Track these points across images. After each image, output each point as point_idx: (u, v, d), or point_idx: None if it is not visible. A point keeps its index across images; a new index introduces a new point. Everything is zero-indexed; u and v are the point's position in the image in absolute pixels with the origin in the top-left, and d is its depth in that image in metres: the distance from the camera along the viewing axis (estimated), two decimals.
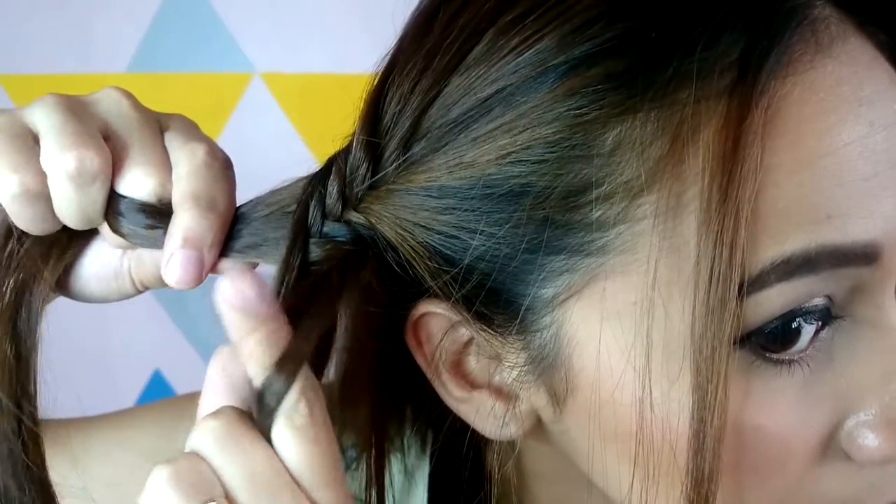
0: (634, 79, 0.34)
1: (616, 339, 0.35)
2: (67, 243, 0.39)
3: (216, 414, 0.32)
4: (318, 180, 0.39)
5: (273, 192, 0.39)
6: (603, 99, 0.34)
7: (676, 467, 0.35)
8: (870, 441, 0.35)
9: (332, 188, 0.38)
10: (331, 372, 0.49)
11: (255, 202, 0.39)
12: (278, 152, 0.89)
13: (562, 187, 0.34)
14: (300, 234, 0.37)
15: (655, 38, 0.34)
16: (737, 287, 0.33)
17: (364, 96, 0.39)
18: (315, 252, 0.37)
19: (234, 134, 0.89)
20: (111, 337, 0.99)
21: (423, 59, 0.37)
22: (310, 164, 0.41)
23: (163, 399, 0.55)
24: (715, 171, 0.33)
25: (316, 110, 0.89)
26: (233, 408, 0.33)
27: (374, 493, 0.43)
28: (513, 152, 0.35)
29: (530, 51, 0.35)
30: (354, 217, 0.38)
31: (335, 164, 0.39)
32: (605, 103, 0.34)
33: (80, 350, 0.96)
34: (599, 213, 0.34)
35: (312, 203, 0.38)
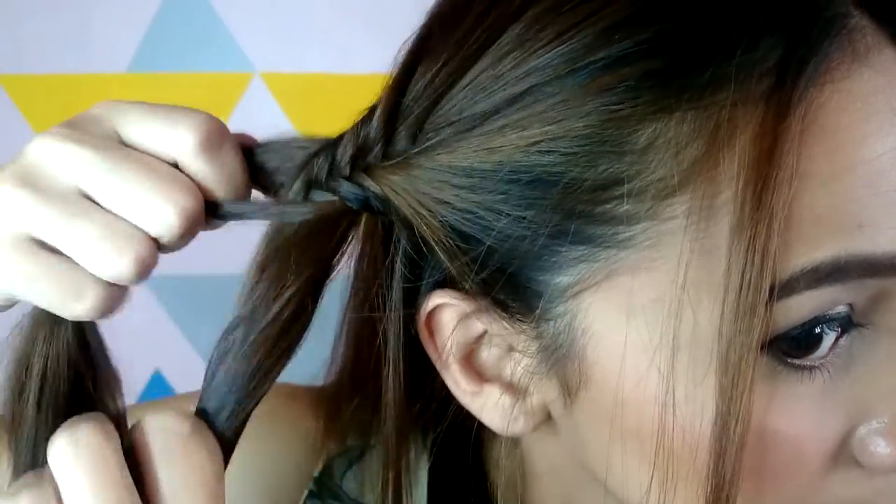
0: (672, 79, 0.34)
1: (637, 335, 0.35)
2: None
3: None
4: (333, 140, 0.38)
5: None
6: (639, 97, 0.34)
7: (695, 469, 0.35)
8: (881, 449, 0.36)
9: (346, 146, 0.38)
10: (332, 371, 0.49)
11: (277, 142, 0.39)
12: None
13: (591, 180, 0.34)
14: (305, 179, 0.37)
15: (695, 40, 0.34)
16: (767, 294, 0.33)
17: (394, 72, 0.39)
18: (313, 204, 0.37)
19: None
20: (111, 337, 0.99)
21: (455, 40, 0.37)
22: None
23: (161, 398, 0.55)
24: (750, 177, 0.33)
25: (316, 110, 0.89)
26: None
27: (390, 482, 0.43)
28: (542, 141, 0.35)
29: (566, 45, 0.34)
30: (366, 182, 0.37)
31: (353, 128, 0.38)
32: (640, 101, 0.34)
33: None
34: (627, 207, 0.34)
35: (322, 155, 0.38)
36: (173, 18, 0.89)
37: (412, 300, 0.40)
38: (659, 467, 0.36)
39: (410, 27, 0.40)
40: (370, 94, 0.40)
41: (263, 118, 0.89)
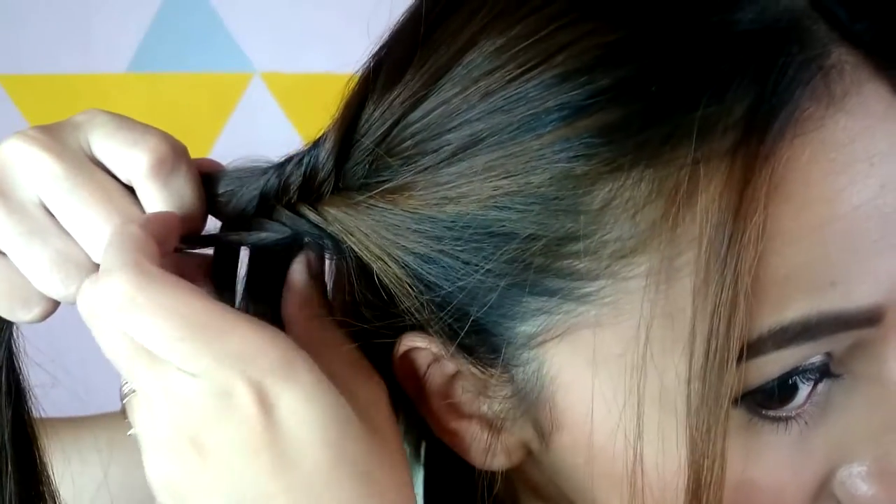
0: (629, 134, 0.31)
1: (602, 388, 0.34)
2: None
3: None
4: (281, 163, 0.38)
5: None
6: (595, 154, 0.32)
7: None
8: (863, 491, 0.35)
9: (295, 174, 0.37)
10: None
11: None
12: (278, 152, 0.88)
13: (547, 237, 0.33)
14: (250, 204, 0.37)
15: (655, 89, 0.31)
16: (734, 359, 0.31)
17: (345, 96, 0.38)
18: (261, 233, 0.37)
19: (233, 134, 0.89)
20: None
21: (411, 64, 0.36)
22: None
23: None
24: (713, 240, 0.31)
25: (316, 110, 0.89)
26: None
27: None
28: (497, 196, 0.33)
29: (524, 87, 0.33)
30: (312, 217, 0.37)
31: (302, 153, 0.38)
32: (596, 159, 0.32)
33: (80, 350, 0.96)
34: (583, 265, 0.33)
35: (270, 181, 0.37)
36: (173, 18, 0.89)
37: (388, 334, 0.38)
38: None
39: None
40: None
41: (263, 118, 0.89)
